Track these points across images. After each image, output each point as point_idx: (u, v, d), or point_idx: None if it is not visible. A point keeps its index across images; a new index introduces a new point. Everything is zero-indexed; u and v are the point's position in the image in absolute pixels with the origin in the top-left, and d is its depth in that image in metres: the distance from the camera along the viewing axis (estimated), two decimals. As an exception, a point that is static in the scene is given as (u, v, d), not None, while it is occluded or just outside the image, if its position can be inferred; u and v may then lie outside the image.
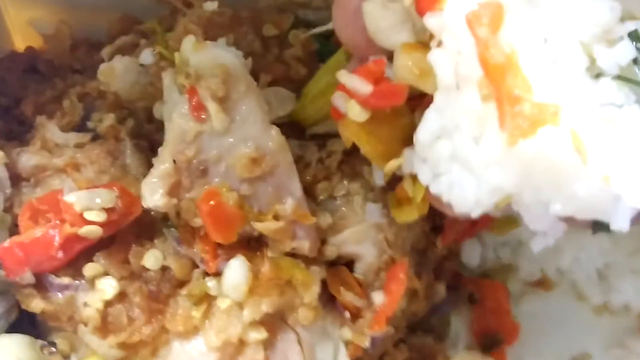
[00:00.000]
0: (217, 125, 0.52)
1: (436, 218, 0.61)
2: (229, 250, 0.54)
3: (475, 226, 0.63)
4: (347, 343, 0.58)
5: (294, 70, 0.61)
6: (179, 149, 0.52)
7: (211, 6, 0.59)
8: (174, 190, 0.52)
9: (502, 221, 0.63)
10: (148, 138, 0.59)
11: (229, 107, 0.52)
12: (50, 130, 0.57)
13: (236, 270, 0.52)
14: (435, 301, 0.64)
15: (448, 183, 0.42)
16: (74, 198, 0.51)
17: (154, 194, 0.51)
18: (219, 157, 0.53)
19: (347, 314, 0.57)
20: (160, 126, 0.59)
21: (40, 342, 0.53)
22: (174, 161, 0.53)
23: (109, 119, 0.57)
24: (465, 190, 0.40)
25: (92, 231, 0.51)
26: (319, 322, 0.56)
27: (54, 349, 0.52)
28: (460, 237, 0.65)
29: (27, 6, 0.67)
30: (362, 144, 0.47)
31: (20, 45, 0.70)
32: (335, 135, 0.58)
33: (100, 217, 0.51)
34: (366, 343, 0.56)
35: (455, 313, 0.68)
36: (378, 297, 0.57)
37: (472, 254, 0.69)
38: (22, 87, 0.62)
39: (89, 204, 0.51)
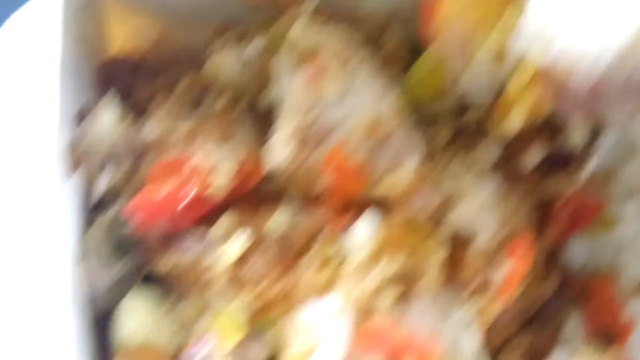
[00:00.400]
0: (334, 93, 0.53)
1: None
2: (352, 215, 0.54)
3: (579, 221, 0.63)
4: (467, 322, 0.56)
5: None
6: (297, 117, 0.53)
7: (312, 4, 0.62)
8: (296, 155, 0.53)
9: (601, 220, 0.63)
10: (258, 119, 0.60)
11: (345, 75, 0.54)
12: (167, 107, 0.57)
13: (366, 227, 0.52)
14: (547, 293, 0.62)
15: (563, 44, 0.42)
16: (201, 159, 0.51)
17: (278, 155, 0.52)
18: (336, 125, 0.54)
19: (467, 291, 0.56)
20: (267, 115, 0.61)
21: (165, 304, 0.51)
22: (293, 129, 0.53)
23: (224, 99, 0.59)
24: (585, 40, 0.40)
25: (219, 191, 0.51)
26: (441, 298, 0.55)
27: (180, 312, 0.50)
28: (565, 233, 0.64)
29: (128, 18, 0.70)
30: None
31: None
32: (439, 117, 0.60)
33: (226, 179, 0.52)
34: (487, 322, 0.55)
35: (566, 311, 0.66)
36: (499, 274, 0.56)
37: (576, 254, 0.68)
38: (132, 84, 0.63)
39: (215, 166, 0.52)
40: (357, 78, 0.53)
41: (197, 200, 0.50)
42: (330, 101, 0.53)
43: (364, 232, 0.52)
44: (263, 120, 0.60)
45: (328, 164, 0.51)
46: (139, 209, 0.50)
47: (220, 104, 0.59)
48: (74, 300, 0.45)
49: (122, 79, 0.64)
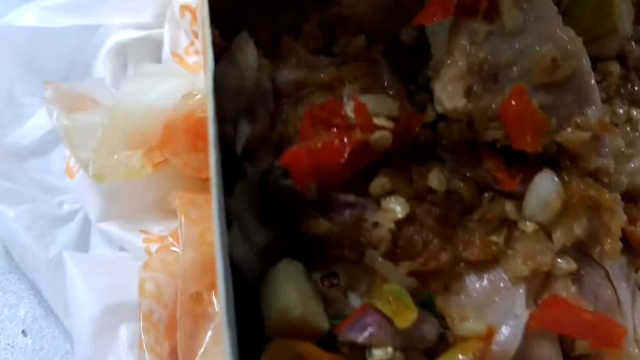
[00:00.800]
0: (510, 23, 0.46)
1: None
2: (523, 169, 0.46)
3: None
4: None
5: None
6: (469, 51, 0.45)
7: None
8: (468, 95, 0.45)
9: None
10: (396, 64, 0.52)
11: (520, 4, 0.46)
12: (299, 50, 0.49)
13: (546, 186, 0.45)
14: None
15: None
16: (365, 99, 0.44)
17: (453, 97, 0.44)
18: (511, 60, 0.46)
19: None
20: (407, 51, 0.53)
21: (318, 273, 0.44)
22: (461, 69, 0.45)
23: (360, 41, 0.51)
24: None
25: (383, 138, 0.44)
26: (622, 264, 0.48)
27: (335, 281, 0.43)
28: None
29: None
30: None
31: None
32: (607, 59, 0.52)
33: (390, 124, 0.44)
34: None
35: None
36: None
37: None
38: (248, 19, 0.55)
39: (376, 109, 0.44)
40: (533, 7, 0.45)
41: (360, 150, 0.42)
42: (504, 34, 0.45)
43: (546, 190, 0.44)
44: (405, 61, 0.52)
45: (511, 102, 0.43)
46: (296, 161, 0.42)
47: (357, 43, 0.51)
48: (222, 267, 0.38)
49: (236, 14, 0.56)
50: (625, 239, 0.49)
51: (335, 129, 0.44)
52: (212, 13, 0.53)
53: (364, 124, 0.43)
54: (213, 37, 0.47)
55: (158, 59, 0.74)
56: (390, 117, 0.45)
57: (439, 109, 0.45)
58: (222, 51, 0.46)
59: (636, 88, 0.52)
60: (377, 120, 0.44)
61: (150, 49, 0.73)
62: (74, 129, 0.56)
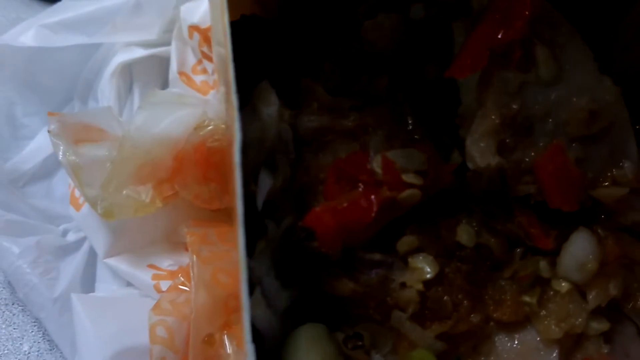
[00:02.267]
0: (545, 73, 0.43)
1: None
2: (557, 225, 0.44)
3: None
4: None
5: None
6: (503, 102, 0.43)
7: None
8: (501, 151, 0.43)
9: None
10: (420, 103, 0.50)
11: (555, 53, 0.43)
12: (320, 92, 0.47)
13: (582, 246, 0.43)
14: None
15: None
16: (393, 156, 0.41)
17: (485, 153, 0.42)
18: (546, 112, 0.44)
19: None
20: (431, 87, 0.51)
21: (341, 333, 0.42)
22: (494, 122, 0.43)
23: (383, 81, 0.48)
24: None
25: (413, 195, 0.42)
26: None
27: (360, 342, 0.41)
28: None
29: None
30: None
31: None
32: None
33: (419, 180, 0.42)
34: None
35: None
36: None
37: None
38: (265, 52, 0.53)
39: (404, 165, 0.42)
40: (569, 56, 0.43)
41: (387, 206, 0.40)
42: (539, 84, 0.42)
43: (582, 250, 0.42)
44: (429, 98, 0.50)
45: (542, 165, 0.41)
46: (320, 222, 0.40)
47: (380, 84, 0.48)
48: (247, 333, 0.36)
49: (252, 46, 0.53)
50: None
51: (361, 185, 0.42)
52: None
53: (392, 182, 0.41)
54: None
55: (164, 78, 0.71)
56: (418, 172, 0.43)
57: (471, 166, 0.43)
58: (243, 101, 0.44)
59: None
60: (406, 177, 0.42)
61: (157, 67, 0.71)
62: (81, 165, 0.54)
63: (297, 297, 0.42)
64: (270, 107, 0.43)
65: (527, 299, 0.43)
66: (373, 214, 0.41)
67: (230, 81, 0.36)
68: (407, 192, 0.42)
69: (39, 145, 0.67)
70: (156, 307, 0.54)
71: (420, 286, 0.42)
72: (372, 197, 0.41)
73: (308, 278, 0.43)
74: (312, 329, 0.41)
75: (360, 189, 0.42)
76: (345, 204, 0.41)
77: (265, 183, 0.43)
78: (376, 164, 0.42)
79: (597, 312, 0.44)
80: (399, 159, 0.42)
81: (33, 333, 0.62)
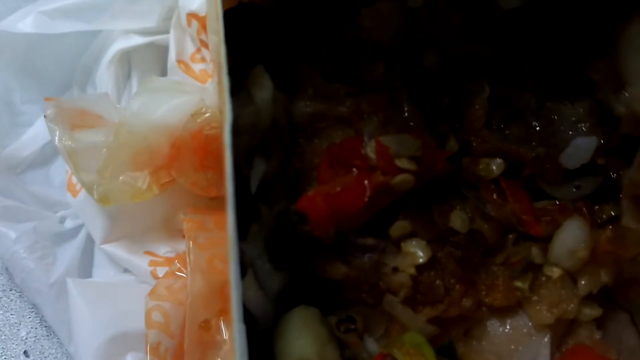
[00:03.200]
0: None
1: None
2: (550, 212, 0.44)
3: None
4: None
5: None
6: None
7: None
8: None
9: None
10: (417, 90, 0.50)
11: None
12: (316, 78, 0.47)
13: (573, 234, 0.43)
14: None
15: None
16: (387, 141, 0.41)
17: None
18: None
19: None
20: (429, 77, 0.51)
21: (334, 317, 0.42)
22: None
23: (379, 68, 0.49)
24: None
25: (406, 181, 0.42)
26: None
27: (352, 326, 0.41)
28: None
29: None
30: None
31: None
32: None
33: (412, 165, 0.42)
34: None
35: None
36: None
37: None
38: (262, 38, 0.53)
39: (398, 150, 0.42)
40: None
41: (380, 192, 0.40)
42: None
43: (573, 238, 0.42)
44: (426, 88, 0.50)
45: None
46: (313, 206, 0.40)
47: (377, 70, 0.48)
48: (237, 312, 0.36)
49: (248, 33, 0.53)
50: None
51: (354, 170, 0.42)
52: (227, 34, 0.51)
53: (386, 167, 0.41)
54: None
55: (163, 66, 0.71)
56: (412, 157, 0.43)
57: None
58: (237, 86, 0.44)
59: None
60: (399, 162, 0.42)
61: (155, 55, 0.71)
62: (77, 151, 0.54)
63: (290, 280, 0.42)
64: (264, 92, 0.43)
65: (519, 284, 0.43)
66: (366, 199, 0.41)
67: (222, 64, 0.36)
68: (400, 177, 0.42)
69: (38, 132, 0.67)
70: (152, 293, 0.54)
71: (412, 270, 0.42)
72: (366, 181, 0.41)
73: (301, 261, 0.43)
74: (305, 311, 0.42)
75: (353, 174, 0.42)
76: (338, 188, 0.41)
77: (259, 167, 0.43)
78: (370, 149, 0.43)
79: (589, 299, 0.44)
80: (393, 144, 0.42)
81: (30, 319, 0.62)
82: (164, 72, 0.71)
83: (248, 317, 0.40)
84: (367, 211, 0.42)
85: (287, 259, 0.42)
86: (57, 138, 0.55)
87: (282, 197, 0.43)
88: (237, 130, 0.43)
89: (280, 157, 0.44)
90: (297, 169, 0.45)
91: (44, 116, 0.56)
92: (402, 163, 0.42)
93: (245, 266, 0.41)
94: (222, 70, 0.36)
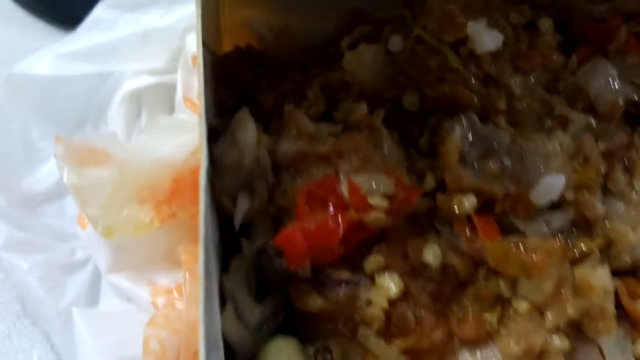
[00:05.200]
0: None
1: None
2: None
3: None
4: None
5: (550, 58, 0.55)
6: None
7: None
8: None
9: None
10: (397, 130, 0.53)
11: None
12: (301, 118, 0.50)
13: None
14: None
15: None
16: (360, 180, 0.44)
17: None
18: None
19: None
20: (409, 117, 0.54)
21: (311, 347, 0.44)
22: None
23: (362, 108, 0.52)
24: None
25: (378, 218, 0.44)
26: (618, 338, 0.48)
27: (328, 356, 0.44)
28: None
29: (243, 7, 0.63)
30: None
31: (227, 45, 0.65)
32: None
33: (385, 203, 0.45)
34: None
35: None
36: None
37: None
38: (254, 80, 0.56)
39: (372, 189, 0.45)
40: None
41: (355, 228, 0.43)
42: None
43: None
44: (407, 127, 0.53)
45: None
46: (290, 242, 0.43)
47: (359, 111, 0.51)
48: (215, 344, 0.39)
49: (243, 75, 0.57)
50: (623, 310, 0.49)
51: (330, 207, 0.45)
52: (219, 72, 0.54)
53: (358, 204, 0.44)
54: (222, 97, 0.48)
55: (171, 104, 0.75)
56: (386, 195, 0.46)
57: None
58: (223, 128, 0.47)
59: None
60: (372, 200, 0.45)
61: (164, 94, 0.75)
62: (84, 187, 0.58)
63: (270, 311, 0.45)
64: (248, 134, 0.47)
65: (488, 317, 0.45)
66: (340, 235, 0.44)
67: (201, 112, 0.40)
68: (372, 215, 0.45)
69: (53, 167, 0.71)
70: (151, 322, 0.57)
71: (385, 304, 0.45)
72: (340, 218, 0.44)
73: (280, 294, 0.46)
74: (283, 342, 0.44)
75: (329, 211, 0.45)
76: (314, 225, 0.44)
77: (243, 205, 0.47)
78: (344, 188, 0.45)
79: (558, 331, 0.46)
80: (366, 183, 0.45)
81: (42, 345, 0.66)
82: (172, 110, 0.75)
83: (227, 349, 0.43)
84: (342, 246, 0.45)
85: (266, 291, 0.45)
86: (65, 175, 0.59)
87: (263, 233, 0.46)
88: (221, 170, 0.46)
89: (264, 194, 0.48)
90: (280, 206, 0.48)
91: (54, 155, 0.60)
92: (375, 201, 0.45)
93: (225, 299, 0.44)
94: (201, 118, 0.39)
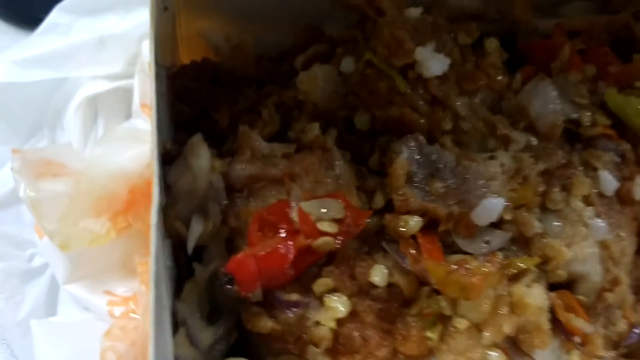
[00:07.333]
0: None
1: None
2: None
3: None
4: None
5: (495, 79, 0.57)
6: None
7: (415, 12, 0.56)
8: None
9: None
10: (349, 149, 0.55)
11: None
12: (255, 139, 0.52)
13: None
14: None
15: None
16: (309, 207, 0.46)
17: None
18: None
19: (577, 339, 0.52)
20: (361, 136, 0.56)
21: None
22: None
23: (314, 129, 0.54)
24: None
25: (326, 243, 0.47)
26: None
27: None
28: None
29: (199, 18, 0.64)
30: None
31: (184, 58, 0.66)
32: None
33: (333, 228, 0.47)
34: (597, 369, 0.51)
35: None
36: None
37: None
38: (210, 97, 0.58)
39: (320, 214, 0.47)
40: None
41: (304, 252, 0.45)
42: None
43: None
44: (358, 145, 0.55)
45: None
46: (241, 269, 0.45)
47: (312, 132, 0.53)
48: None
49: (198, 92, 0.58)
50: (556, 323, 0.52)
51: (281, 233, 0.47)
52: (175, 87, 0.56)
53: (308, 231, 0.46)
54: (179, 112, 0.49)
55: (128, 109, 0.76)
56: (335, 220, 0.48)
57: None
58: (177, 153, 0.49)
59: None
60: (321, 226, 0.47)
61: (121, 99, 0.75)
62: (40, 201, 0.59)
63: (222, 333, 0.47)
64: (201, 160, 0.48)
65: (429, 334, 0.48)
66: (290, 260, 0.46)
67: (154, 148, 0.41)
68: (321, 240, 0.47)
69: (8, 173, 0.71)
70: (108, 333, 0.59)
71: (332, 324, 0.47)
72: (290, 244, 0.46)
73: (232, 316, 0.48)
74: (238, 361, 0.46)
75: (280, 236, 0.47)
76: (264, 251, 0.46)
77: (196, 229, 0.48)
78: (295, 214, 0.47)
79: (496, 346, 0.49)
80: (315, 209, 0.47)
81: (3, 351, 0.67)
82: (129, 115, 0.76)
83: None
84: (292, 269, 0.47)
85: (218, 314, 0.47)
86: (22, 190, 0.60)
87: (216, 256, 0.48)
88: (175, 196, 0.48)
89: (217, 217, 0.49)
90: (234, 228, 0.49)
91: (11, 169, 0.61)
92: (324, 226, 0.47)
93: (177, 324, 0.45)
94: (153, 155, 0.41)
